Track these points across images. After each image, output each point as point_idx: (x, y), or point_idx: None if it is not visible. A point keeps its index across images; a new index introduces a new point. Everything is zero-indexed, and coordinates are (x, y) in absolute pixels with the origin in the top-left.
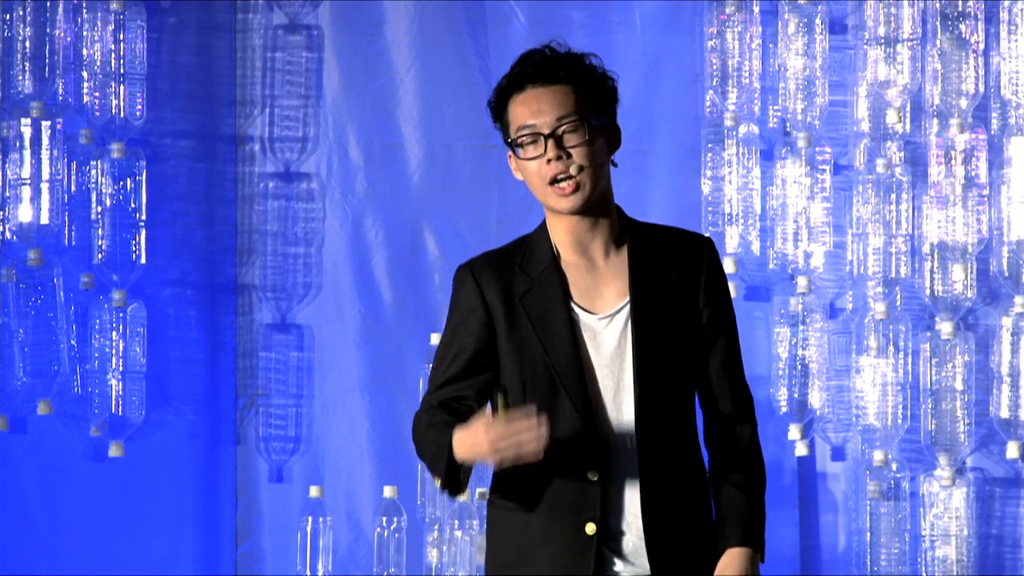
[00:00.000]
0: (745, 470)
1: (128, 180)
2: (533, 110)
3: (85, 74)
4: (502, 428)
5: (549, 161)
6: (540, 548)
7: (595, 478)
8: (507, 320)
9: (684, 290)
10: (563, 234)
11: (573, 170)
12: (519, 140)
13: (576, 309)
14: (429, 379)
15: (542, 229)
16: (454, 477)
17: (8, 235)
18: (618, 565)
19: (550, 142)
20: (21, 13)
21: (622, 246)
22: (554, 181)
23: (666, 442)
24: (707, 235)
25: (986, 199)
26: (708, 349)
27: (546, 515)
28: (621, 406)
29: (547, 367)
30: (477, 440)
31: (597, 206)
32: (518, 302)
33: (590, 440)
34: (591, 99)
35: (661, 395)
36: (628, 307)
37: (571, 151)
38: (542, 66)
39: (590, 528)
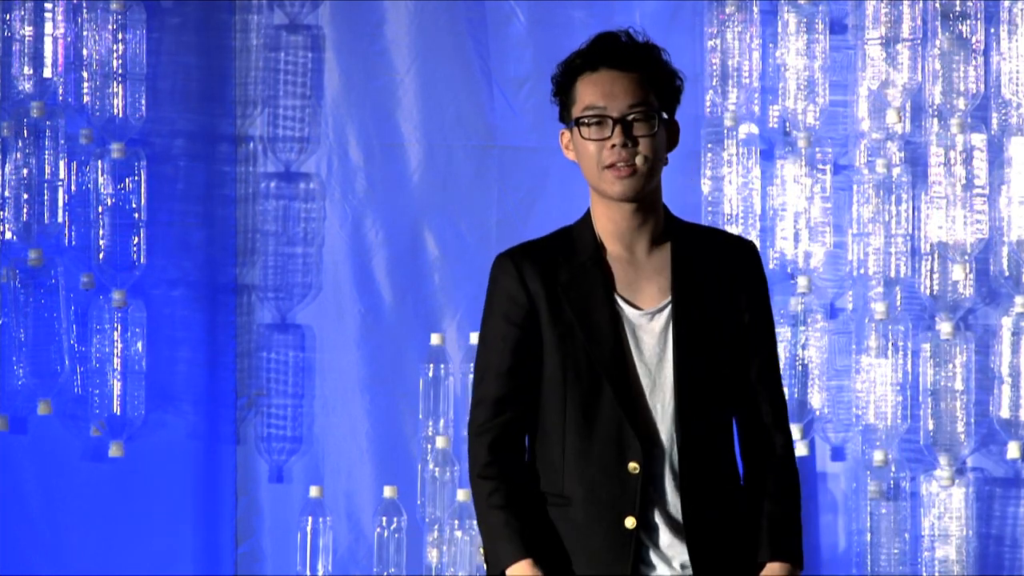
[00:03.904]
0: (782, 481)
1: (128, 180)
2: (605, 92)
3: (85, 74)
4: None
5: (613, 146)
6: (579, 541)
7: (636, 471)
8: (550, 310)
9: (727, 293)
10: (609, 224)
11: (639, 160)
12: (584, 119)
13: (620, 302)
14: (477, 378)
15: (586, 219)
16: None
17: (8, 235)
18: (656, 560)
19: (618, 128)
20: (21, 13)
21: (665, 244)
22: (611, 166)
23: (704, 441)
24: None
25: (986, 199)
26: (748, 355)
27: (584, 508)
28: (658, 404)
29: (588, 357)
30: None
31: (647, 200)
32: (560, 292)
33: (631, 433)
34: (661, 93)
35: (699, 397)
36: (670, 306)
37: (638, 140)
38: (621, 51)
39: (630, 522)
